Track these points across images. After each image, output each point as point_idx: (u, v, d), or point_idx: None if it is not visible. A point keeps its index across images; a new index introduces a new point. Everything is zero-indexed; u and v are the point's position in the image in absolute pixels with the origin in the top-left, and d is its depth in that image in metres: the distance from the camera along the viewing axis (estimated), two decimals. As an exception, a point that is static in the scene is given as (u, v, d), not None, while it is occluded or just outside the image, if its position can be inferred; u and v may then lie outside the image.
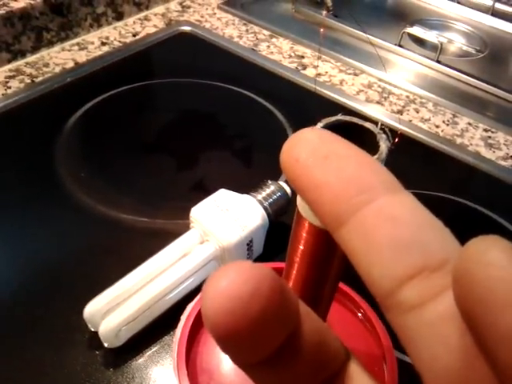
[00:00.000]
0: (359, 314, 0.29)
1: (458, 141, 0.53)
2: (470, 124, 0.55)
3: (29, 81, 0.55)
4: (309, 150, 0.12)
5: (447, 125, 0.55)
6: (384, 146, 0.16)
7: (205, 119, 0.53)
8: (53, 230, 0.40)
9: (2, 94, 0.53)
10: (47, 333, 0.33)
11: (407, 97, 0.58)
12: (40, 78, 0.56)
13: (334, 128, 0.17)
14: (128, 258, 0.38)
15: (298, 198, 0.18)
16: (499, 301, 0.08)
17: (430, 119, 0.55)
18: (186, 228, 0.37)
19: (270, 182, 0.38)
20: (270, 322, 0.10)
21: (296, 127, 0.52)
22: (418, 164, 0.50)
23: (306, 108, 0.56)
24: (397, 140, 0.18)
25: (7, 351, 0.32)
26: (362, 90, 0.58)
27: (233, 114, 0.55)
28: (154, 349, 0.32)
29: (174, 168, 0.47)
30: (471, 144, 0.53)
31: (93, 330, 0.32)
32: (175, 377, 0.26)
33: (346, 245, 0.11)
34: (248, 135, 0.51)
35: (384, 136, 0.16)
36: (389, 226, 0.11)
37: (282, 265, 0.32)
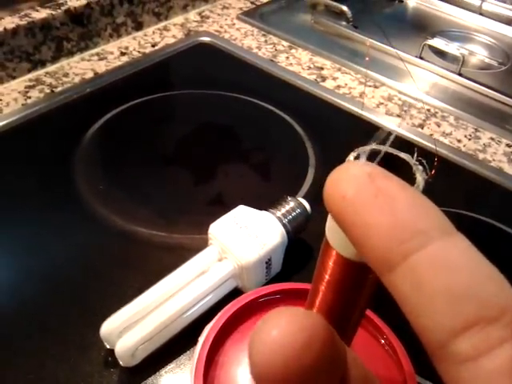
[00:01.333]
0: (382, 340, 0.28)
1: (481, 156, 0.52)
2: (492, 139, 0.54)
3: (48, 91, 0.55)
4: (357, 186, 0.12)
5: (469, 139, 0.54)
6: (421, 178, 0.16)
7: (223, 131, 0.53)
8: (70, 241, 0.40)
9: (22, 104, 0.54)
10: (63, 349, 0.32)
11: (428, 110, 0.58)
12: (60, 88, 0.56)
13: (368, 158, 0.17)
14: (144, 273, 0.37)
15: (328, 225, 0.18)
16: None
17: (451, 133, 0.54)
18: (202, 243, 0.36)
19: (289, 198, 0.38)
20: (321, 372, 0.10)
21: (315, 140, 0.51)
22: (439, 180, 0.49)
23: (326, 120, 0.55)
24: (434, 172, 0.17)
25: (23, 367, 0.31)
26: (382, 103, 0.58)
27: (251, 126, 0.54)
28: (169, 368, 0.32)
29: (192, 181, 0.46)
30: (494, 160, 0.51)
31: (108, 347, 0.31)
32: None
33: (396, 291, 0.11)
34: (266, 148, 0.51)
35: (421, 168, 0.16)
36: (443, 274, 0.10)
37: (300, 285, 0.31)
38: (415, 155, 0.16)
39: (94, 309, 0.35)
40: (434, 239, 0.11)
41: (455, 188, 0.49)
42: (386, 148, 0.17)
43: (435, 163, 0.16)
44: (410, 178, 0.16)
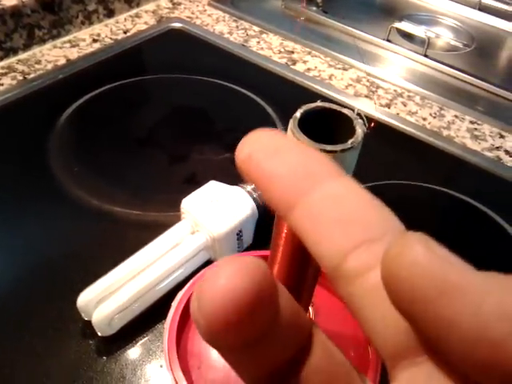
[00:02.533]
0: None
1: (445, 133, 0.54)
2: (456, 116, 0.56)
3: (21, 78, 0.56)
4: (260, 146, 0.13)
5: (434, 117, 0.56)
6: (360, 130, 0.17)
7: (196, 114, 0.54)
8: (46, 223, 0.41)
9: (-5, 91, 0.54)
10: (41, 323, 0.33)
11: (395, 91, 0.59)
12: (32, 75, 0.56)
13: (313, 114, 0.18)
14: (121, 250, 0.38)
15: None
16: (425, 296, 0.09)
17: (417, 112, 0.56)
18: (177, 220, 0.38)
19: (259, 173, 0.39)
20: (259, 311, 0.11)
21: (286, 121, 0.53)
22: (405, 156, 0.51)
23: (296, 102, 0.56)
24: (372, 125, 0.19)
25: (1, 342, 0.32)
26: (351, 85, 0.59)
27: (224, 108, 0.55)
28: (146, 337, 0.33)
29: (166, 162, 0.47)
30: (457, 136, 0.54)
31: (86, 319, 0.33)
32: (166, 362, 0.27)
33: (296, 227, 0.12)
34: (238, 129, 0.52)
35: (360, 121, 0.17)
36: (333, 206, 0.12)
37: (267, 253, 0.33)
38: (356, 111, 0.18)
39: (71, 284, 0.36)
40: (325, 179, 0.12)
41: (422, 164, 0.51)
42: (329, 105, 0.19)
43: (372, 121, 0.17)
44: (351, 131, 0.18)
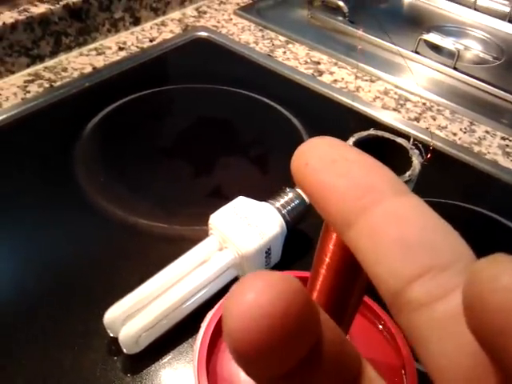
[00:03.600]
0: (380, 326, 0.29)
1: (476, 149, 0.52)
2: (487, 132, 0.55)
3: (47, 85, 0.56)
4: (318, 154, 0.12)
5: (464, 132, 0.54)
6: (417, 161, 0.16)
7: (221, 125, 0.54)
8: (71, 234, 0.41)
9: (22, 99, 0.54)
10: (67, 337, 0.33)
11: (424, 104, 0.58)
12: (58, 83, 0.56)
13: (366, 143, 0.17)
14: (145, 264, 0.38)
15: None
16: None
17: (446, 127, 0.55)
18: (203, 234, 0.37)
19: (288, 189, 0.39)
20: (297, 336, 0.10)
21: (312, 133, 0.52)
22: (434, 172, 0.50)
23: (323, 114, 0.56)
24: (429, 155, 0.18)
25: (27, 355, 0.32)
26: (379, 97, 0.58)
27: (249, 120, 0.55)
28: (173, 355, 0.32)
29: (191, 174, 0.47)
30: (489, 152, 0.52)
31: (112, 335, 0.32)
32: (195, 385, 0.26)
33: (354, 246, 0.11)
34: (265, 142, 0.51)
35: (417, 152, 0.16)
36: (396, 226, 0.11)
37: (300, 273, 0.32)
38: (411, 141, 0.17)
39: (96, 298, 0.35)
40: (388, 196, 0.11)
41: (451, 180, 0.50)
42: (383, 133, 0.18)
43: (430, 149, 0.16)
44: (406, 162, 0.17)
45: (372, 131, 0.18)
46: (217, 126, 0.54)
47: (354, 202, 0.11)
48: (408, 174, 0.16)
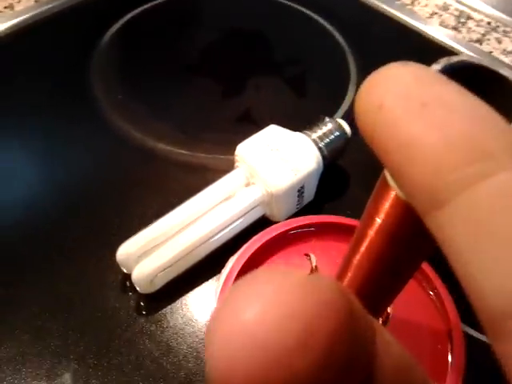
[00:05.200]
0: (429, 291, 0.26)
1: (545, 79, 0.45)
2: (561, 59, 0.48)
3: (63, -15, 0.50)
4: (399, 92, 0.08)
5: (533, 59, 0.47)
6: (531, 104, 0.11)
7: (253, 39, 0.48)
8: (86, 154, 0.37)
9: (35, 1, 0.49)
10: (78, 271, 0.30)
11: (488, 23, 0.50)
12: (75, -17, 0.50)
13: (454, 70, 0.12)
14: (165, 193, 0.35)
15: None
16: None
17: (513, 51, 0.48)
18: (228, 165, 0.33)
19: (326, 118, 0.34)
20: (333, 370, 0.06)
21: (358, 52, 0.45)
22: (498, 103, 0.44)
23: (371, 31, 0.49)
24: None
25: (37, 288, 0.30)
26: (436, 13, 0.50)
27: (285, 33, 0.48)
28: (191, 298, 0.30)
29: (218, 94, 0.42)
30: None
31: (126, 272, 0.29)
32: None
33: (443, 236, 0.08)
34: (302, 60, 0.45)
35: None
36: None
37: (336, 218, 0.28)
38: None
39: (112, 228, 0.33)
40: (504, 166, 0.07)
41: None
42: (480, 60, 0.13)
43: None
44: (509, 104, 0.12)
45: (464, 57, 0.13)
46: (249, 40, 0.48)
47: (452, 170, 0.08)
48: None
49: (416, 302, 0.25)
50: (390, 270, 0.16)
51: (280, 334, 0.06)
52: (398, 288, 0.18)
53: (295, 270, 0.07)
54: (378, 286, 0.17)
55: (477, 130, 0.08)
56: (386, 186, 0.14)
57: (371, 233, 0.16)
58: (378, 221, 0.16)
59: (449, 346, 0.25)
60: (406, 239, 0.15)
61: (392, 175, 0.09)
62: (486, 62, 0.13)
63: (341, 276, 0.18)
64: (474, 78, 0.12)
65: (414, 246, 0.15)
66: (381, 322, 0.21)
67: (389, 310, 0.21)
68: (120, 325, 0.28)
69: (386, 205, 0.15)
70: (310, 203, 0.33)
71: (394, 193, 0.14)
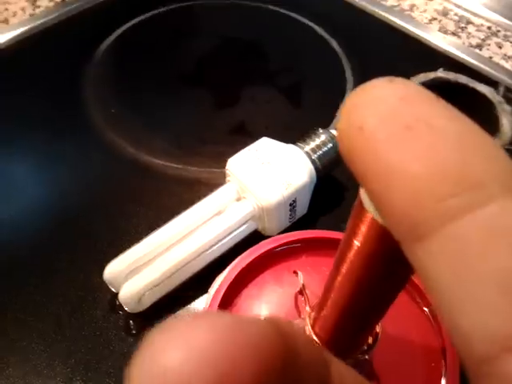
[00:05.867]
0: (424, 308, 0.25)
1: (548, 84, 0.44)
2: None
3: (59, 0, 0.50)
4: (382, 113, 0.08)
5: (536, 64, 0.46)
6: (507, 121, 0.11)
7: (248, 48, 0.47)
8: (77, 170, 0.37)
9: (30, 15, 0.49)
10: (66, 288, 0.30)
11: (488, 28, 0.49)
12: (70, -3, 0.50)
13: (430, 88, 0.12)
14: (156, 208, 0.34)
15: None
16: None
17: (515, 56, 0.47)
18: (222, 178, 0.32)
19: (320, 130, 0.33)
20: None
21: (355, 60, 0.45)
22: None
23: (368, 38, 0.48)
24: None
25: (23, 305, 0.29)
26: (436, 19, 0.50)
27: (280, 42, 0.48)
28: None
29: (212, 106, 0.41)
30: None
31: (114, 291, 0.29)
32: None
33: (423, 268, 0.07)
34: (297, 69, 0.45)
35: (509, 108, 0.11)
36: (503, 252, 0.07)
37: (325, 233, 0.27)
38: (501, 89, 0.11)
39: (102, 246, 0.32)
40: (495, 195, 0.07)
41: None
42: (457, 77, 0.12)
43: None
44: (490, 120, 0.11)
45: (441, 73, 0.12)
46: (243, 49, 0.47)
47: (436, 200, 0.07)
48: (495, 139, 0.10)
49: (410, 318, 0.24)
50: (371, 291, 0.16)
51: (195, 380, 0.06)
52: (382, 308, 0.17)
53: (225, 314, 0.07)
54: (360, 306, 0.16)
55: (465, 156, 0.07)
56: (362, 209, 0.14)
57: (350, 255, 0.15)
58: (357, 243, 0.15)
59: (443, 364, 0.24)
60: (385, 262, 0.14)
61: (371, 199, 0.09)
62: (463, 79, 0.12)
63: (325, 296, 0.18)
64: (453, 92, 0.12)
65: (394, 269, 0.15)
66: (370, 340, 0.20)
67: (377, 328, 0.20)
68: (108, 345, 0.28)
69: (363, 228, 0.14)
70: (304, 216, 0.33)
71: (369, 216, 0.14)
